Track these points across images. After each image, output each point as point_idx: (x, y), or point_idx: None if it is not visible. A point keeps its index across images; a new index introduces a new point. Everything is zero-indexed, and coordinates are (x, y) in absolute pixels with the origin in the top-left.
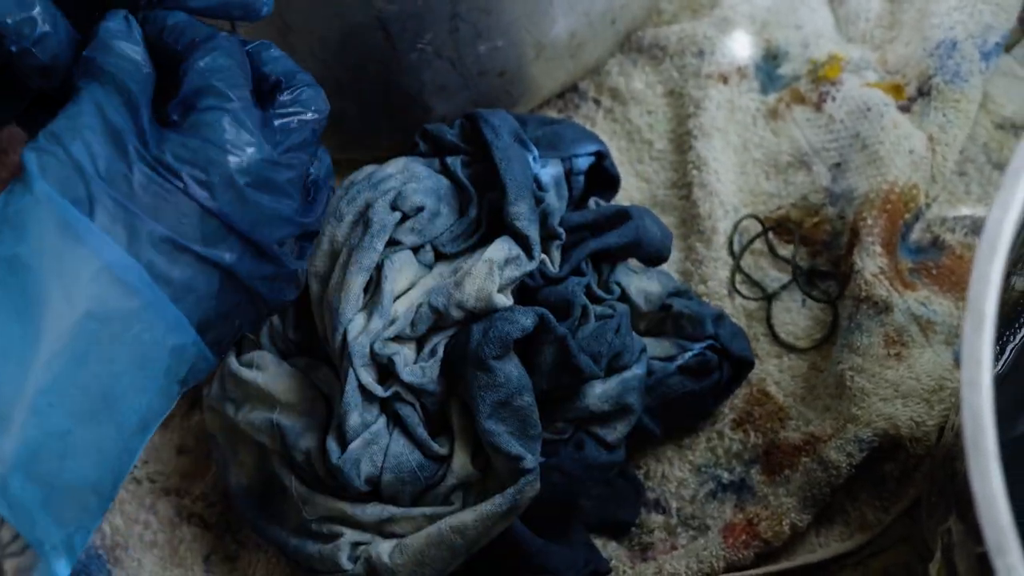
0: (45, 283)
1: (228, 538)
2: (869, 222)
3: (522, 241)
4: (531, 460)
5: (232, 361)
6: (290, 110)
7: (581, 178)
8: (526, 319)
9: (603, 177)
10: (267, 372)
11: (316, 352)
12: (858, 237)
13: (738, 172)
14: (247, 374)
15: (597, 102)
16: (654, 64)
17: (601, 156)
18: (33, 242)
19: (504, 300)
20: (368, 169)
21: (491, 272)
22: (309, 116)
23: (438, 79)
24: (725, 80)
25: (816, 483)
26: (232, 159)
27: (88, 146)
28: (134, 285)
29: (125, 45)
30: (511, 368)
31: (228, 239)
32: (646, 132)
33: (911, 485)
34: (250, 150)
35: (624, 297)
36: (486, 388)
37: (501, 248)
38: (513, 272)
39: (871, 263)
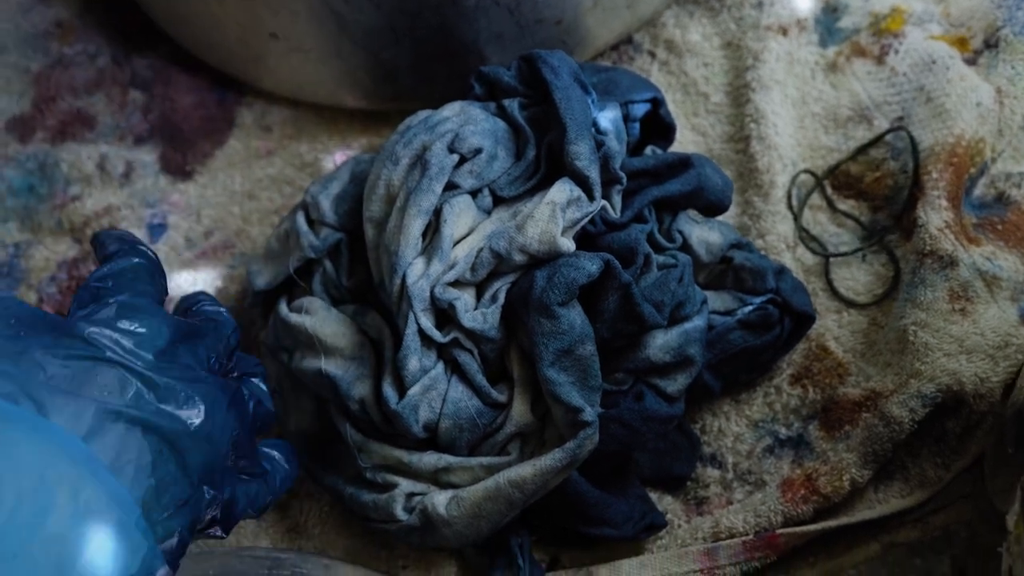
0: None
1: None
2: (935, 175)
3: (583, 182)
4: (590, 412)
5: (282, 307)
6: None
7: (637, 126)
8: (592, 265)
9: (659, 125)
10: (315, 316)
11: (368, 300)
12: (923, 191)
13: (796, 126)
14: (295, 319)
15: (652, 54)
16: (711, 15)
17: (657, 103)
18: None
19: (568, 244)
20: (423, 113)
21: (554, 214)
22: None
23: (494, 26)
24: (784, 32)
25: (877, 439)
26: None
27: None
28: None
29: None
30: (575, 316)
31: None
32: (702, 85)
33: (973, 442)
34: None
35: (685, 247)
36: (549, 335)
37: (562, 190)
38: (575, 214)
39: (936, 217)
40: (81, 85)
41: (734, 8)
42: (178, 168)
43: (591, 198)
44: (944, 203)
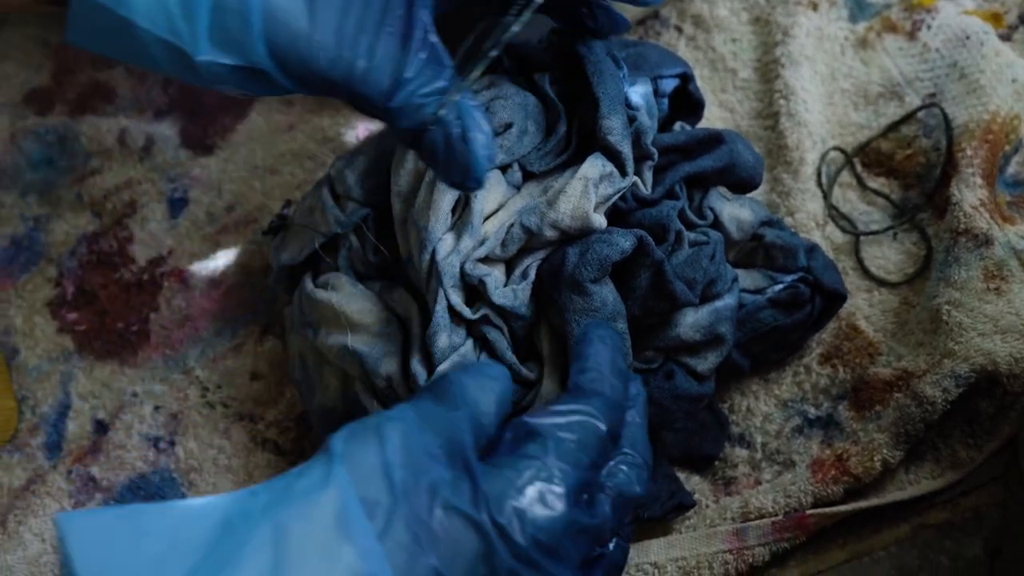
0: (297, 562)
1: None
2: (969, 153)
3: (615, 158)
4: None
5: (307, 283)
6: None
7: (665, 101)
8: (625, 241)
9: (687, 101)
10: (341, 292)
11: (395, 276)
12: (956, 168)
13: (826, 103)
14: (321, 295)
15: (679, 29)
16: None
17: (686, 78)
18: (306, 520)
19: (600, 220)
20: None
21: (586, 190)
22: (630, 492)
23: None
24: (815, 6)
25: (910, 419)
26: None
27: (409, 455)
28: None
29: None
30: (607, 292)
31: None
32: (730, 60)
33: (1006, 423)
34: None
35: (716, 224)
36: (581, 312)
37: (594, 165)
38: (607, 190)
39: (971, 195)
40: (100, 57)
41: None
42: (199, 142)
43: (623, 174)
44: (979, 180)
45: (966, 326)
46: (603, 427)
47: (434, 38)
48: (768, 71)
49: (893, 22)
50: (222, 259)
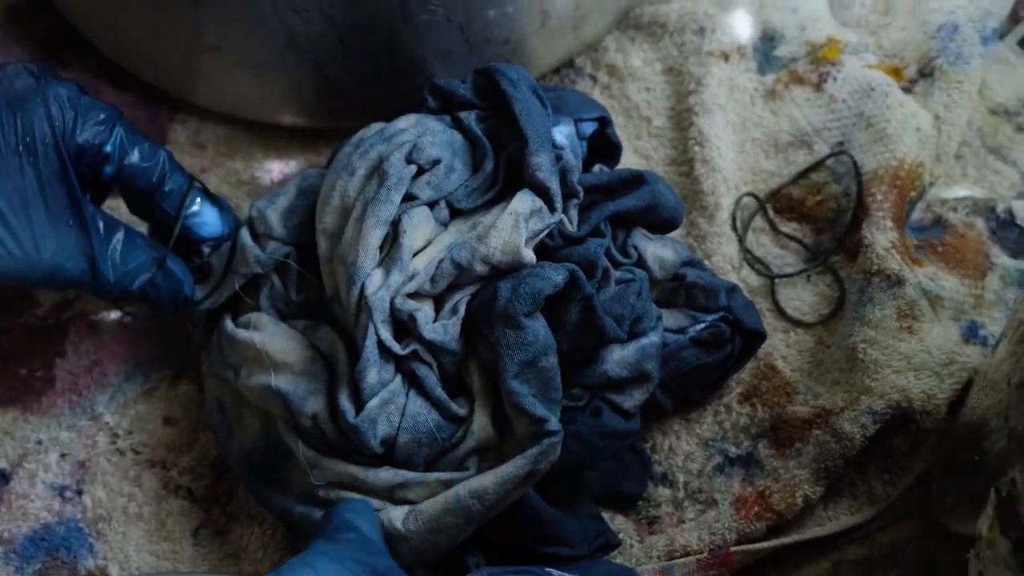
0: None
1: (217, 511)
2: (879, 197)
3: (544, 194)
4: (555, 422)
5: (228, 324)
6: None
7: (585, 144)
8: (558, 275)
9: (605, 145)
10: (264, 332)
11: (318, 314)
12: (867, 212)
13: (737, 150)
14: (243, 335)
15: (594, 78)
16: (652, 41)
17: (604, 122)
18: None
19: (530, 255)
20: (377, 125)
21: (517, 224)
22: None
23: (444, 44)
24: (726, 58)
25: (830, 455)
26: None
27: None
28: None
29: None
30: (539, 327)
31: None
32: (644, 109)
33: (919, 459)
34: None
35: (640, 263)
36: (514, 347)
37: (524, 201)
38: (537, 225)
39: (882, 237)
40: None
41: (676, 34)
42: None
43: (552, 210)
44: (889, 224)
45: (881, 363)
46: None
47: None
48: (682, 119)
49: (800, 74)
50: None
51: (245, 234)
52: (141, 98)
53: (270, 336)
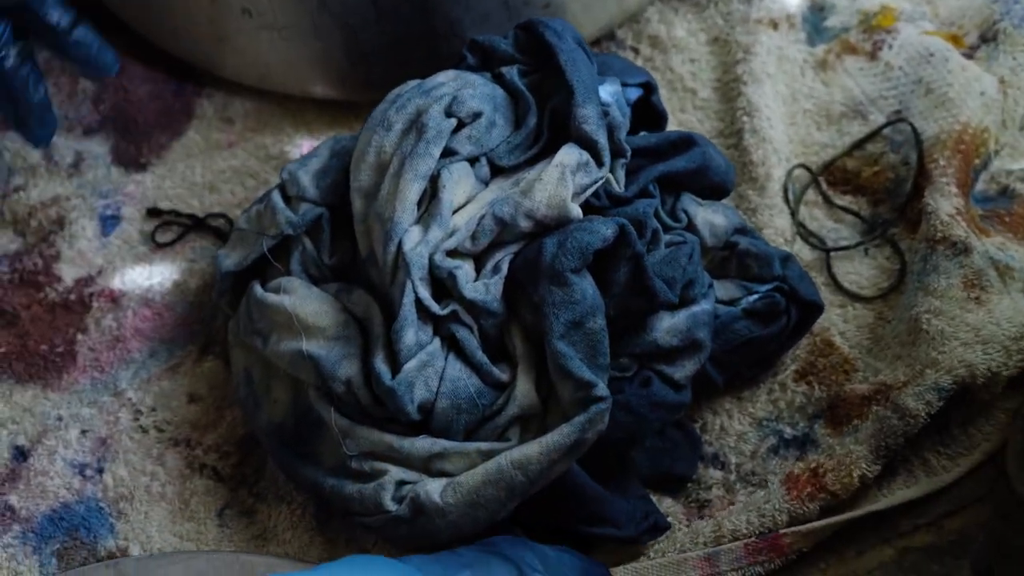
0: None
1: (244, 491)
2: (942, 163)
3: (591, 147)
4: (603, 387)
5: (257, 288)
6: None
7: (629, 111)
8: (607, 228)
9: (650, 113)
10: (295, 295)
11: (352, 278)
12: (929, 179)
13: (788, 122)
14: (273, 299)
15: (636, 50)
16: (697, 11)
17: (649, 89)
18: None
19: (577, 209)
20: (414, 82)
21: (563, 177)
22: None
23: (482, 6)
24: (775, 26)
25: (891, 432)
26: None
27: None
28: None
29: None
30: (587, 285)
31: None
32: (689, 80)
33: (984, 438)
34: None
35: (690, 228)
36: (560, 305)
37: (570, 153)
38: (584, 179)
39: (946, 204)
40: None
41: (721, 3)
42: (131, 160)
43: (600, 164)
44: (954, 190)
45: (948, 335)
46: None
47: None
48: (729, 90)
49: (852, 44)
50: (157, 277)
51: (276, 196)
52: (168, 73)
53: (301, 300)
